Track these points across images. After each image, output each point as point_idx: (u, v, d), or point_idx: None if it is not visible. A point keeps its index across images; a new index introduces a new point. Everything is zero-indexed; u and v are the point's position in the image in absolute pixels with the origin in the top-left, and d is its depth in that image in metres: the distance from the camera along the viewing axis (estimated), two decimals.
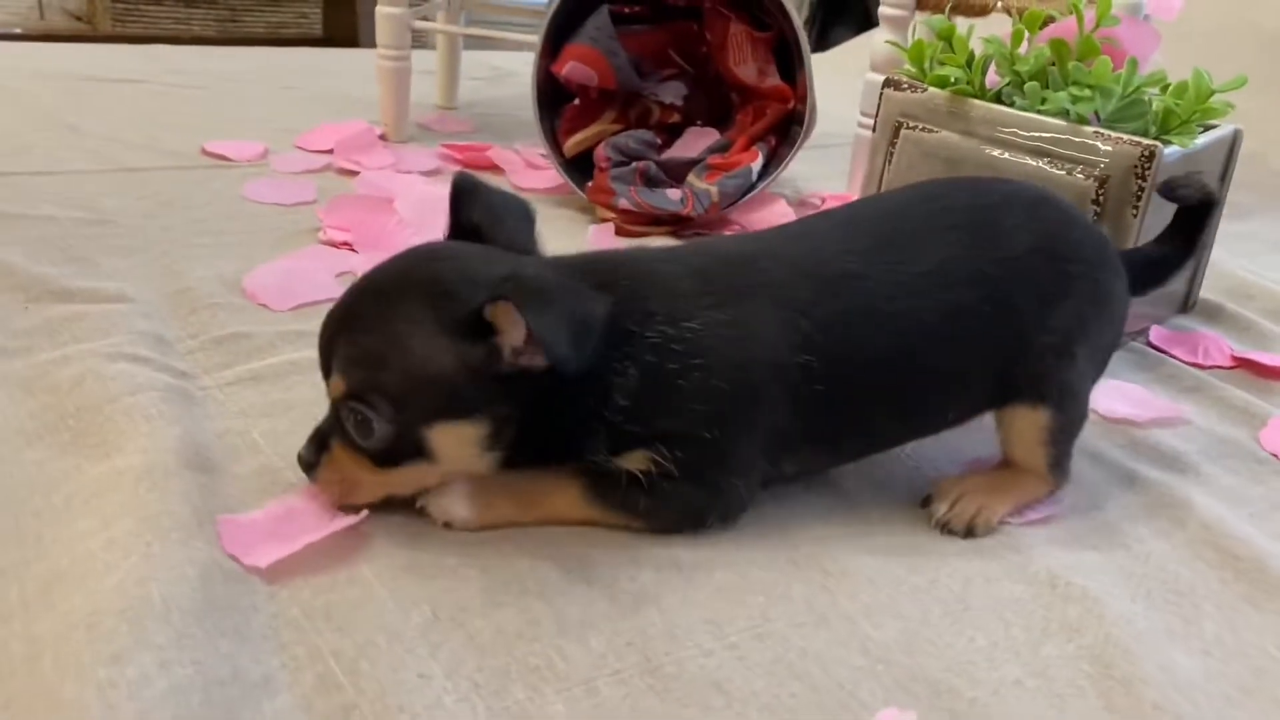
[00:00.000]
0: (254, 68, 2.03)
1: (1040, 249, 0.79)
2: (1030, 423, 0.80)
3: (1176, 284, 1.23)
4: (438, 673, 0.60)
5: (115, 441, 0.75)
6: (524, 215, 0.76)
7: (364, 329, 0.68)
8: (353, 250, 1.15)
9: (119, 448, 0.74)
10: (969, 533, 0.79)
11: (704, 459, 0.72)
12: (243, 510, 0.71)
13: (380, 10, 1.54)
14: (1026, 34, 1.13)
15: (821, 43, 3.06)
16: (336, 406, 0.69)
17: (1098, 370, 0.84)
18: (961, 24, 1.72)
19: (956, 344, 0.77)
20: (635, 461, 0.72)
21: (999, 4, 1.33)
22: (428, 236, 0.84)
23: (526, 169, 1.51)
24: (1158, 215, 1.04)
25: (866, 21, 2.97)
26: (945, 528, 0.79)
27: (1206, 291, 1.27)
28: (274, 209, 1.28)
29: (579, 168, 1.41)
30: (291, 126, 1.59)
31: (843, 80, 1.77)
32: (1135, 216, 1.01)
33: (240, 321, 0.97)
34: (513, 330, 0.65)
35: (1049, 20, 1.13)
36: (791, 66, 1.39)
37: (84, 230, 1.15)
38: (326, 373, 0.69)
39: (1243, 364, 1.13)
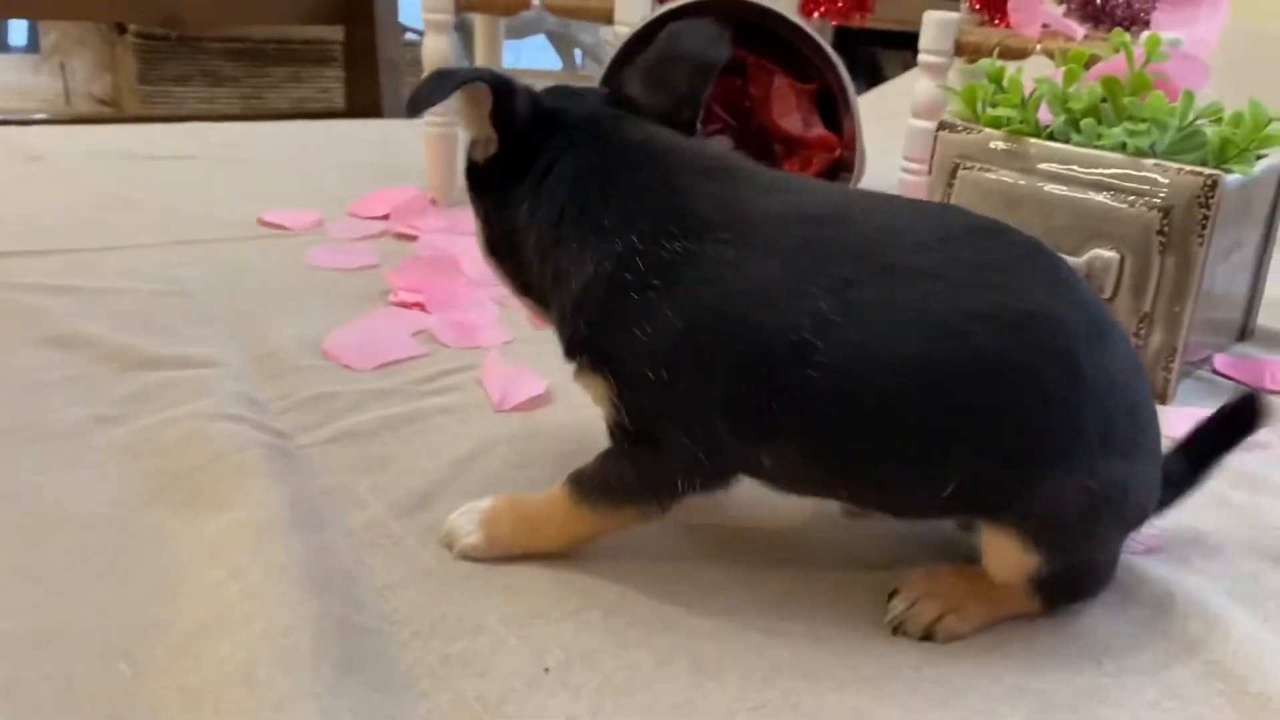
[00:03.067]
0: (294, 141, 2.07)
1: None
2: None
3: (1234, 313, 1.25)
4: (584, 713, 0.60)
5: (230, 497, 0.76)
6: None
7: None
8: (425, 311, 1.17)
9: (234, 503, 0.75)
10: (926, 637, 0.69)
11: (649, 402, 0.68)
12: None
13: None
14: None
15: None
16: None
17: None
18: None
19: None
20: (596, 387, 0.71)
21: (1038, 48, 1.36)
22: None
23: None
24: (1221, 246, 1.06)
25: (876, 77, 3.04)
26: (899, 628, 0.70)
27: (1265, 319, 1.28)
28: (339, 274, 1.29)
29: None
30: (339, 195, 1.61)
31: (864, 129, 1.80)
32: (1200, 246, 1.02)
33: (326, 382, 0.98)
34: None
35: (1094, 59, 1.16)
36: (836, 115, 1.42)
37: (160, 301, 1.16)
38: None
39: None
